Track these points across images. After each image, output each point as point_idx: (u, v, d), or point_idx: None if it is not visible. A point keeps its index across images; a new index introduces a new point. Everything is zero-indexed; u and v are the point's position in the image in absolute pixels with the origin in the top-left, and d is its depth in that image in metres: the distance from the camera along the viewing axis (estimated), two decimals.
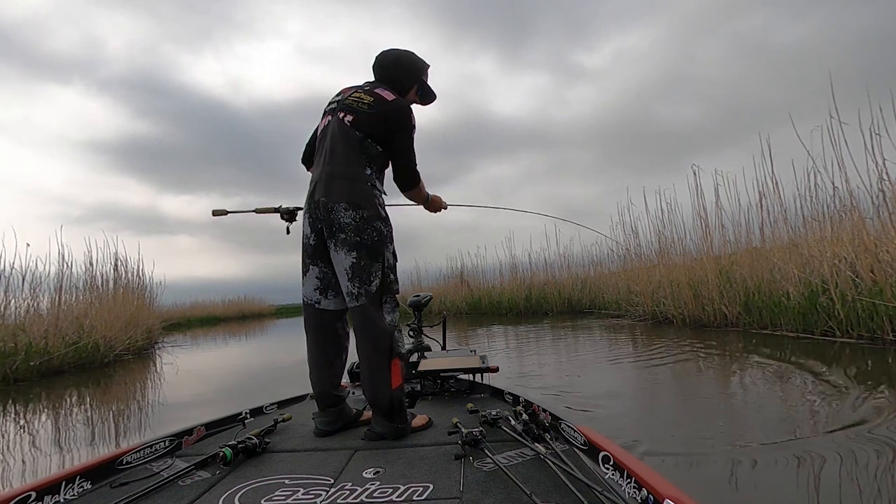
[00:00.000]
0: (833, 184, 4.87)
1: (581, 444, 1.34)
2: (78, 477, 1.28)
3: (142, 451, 1.49)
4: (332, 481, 1.27)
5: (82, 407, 3.75)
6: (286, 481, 1.29)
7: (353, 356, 1.76)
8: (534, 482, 1.17)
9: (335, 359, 1.76)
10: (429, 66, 1.95)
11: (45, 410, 3.66)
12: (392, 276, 1.70)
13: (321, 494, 1.19)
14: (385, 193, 1.79)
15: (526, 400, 1.84)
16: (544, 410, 1.69)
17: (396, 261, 1.74)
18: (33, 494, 1.15)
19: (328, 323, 1.74)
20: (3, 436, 2.88)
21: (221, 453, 1.40)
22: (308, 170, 1.98)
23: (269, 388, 3.88)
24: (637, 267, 8.38)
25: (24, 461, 2.31)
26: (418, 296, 2.79)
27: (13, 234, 7.19)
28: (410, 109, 1.77)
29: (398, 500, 1.13)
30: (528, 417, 1.55)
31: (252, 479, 1.31)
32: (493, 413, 1.61)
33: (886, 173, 4.39)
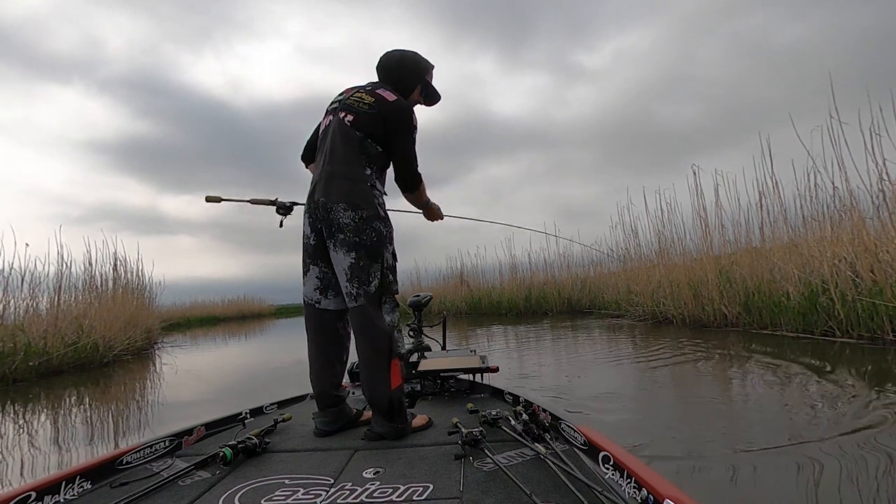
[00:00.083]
0: (833, 184, 4.88)
1: (581, 444, 1.34)
2: (78, 477, 1.28)
3: (142, 451, 1.49)
4: (332, 481, 1.27)
5: (81, 407, 3.75)
6: (286, 481, 1.29)
7: (353, 356, 1.76)
8: (534, 482, 1.17)
9: (335, 359, 1.76)
10: (433, 66, 1.94)
11: (45, 411, 3.66)
12: (391, 276, 1.70)
13: (321, 494, 1.18)
14: (385, 194, 1.78)
15: (526, 400, 1.83)
16: (544, 410, 1.68)
17: (396, 261, 1.74)
18: (33, 494, 1.15)
19: (329, 323, 1.74)
20: (2, 436, 2.88)
21: (221, 453, 1.40)
22: (307, 167, 1.98)
23: (269, 388, 3.88)
24: (637, 267, 8.38)
25: (23, 461, 2.30)
26: (418, 296, 2.79)
27: (12, 234, 7.19)
28: (412, 110, 1.76)
29: (398, 500, 1.13)
30: (528, 417, 1.55)
31: (252, 479, 1.31)
32: (493, 413, 1.61)
33: (886, 173, 4.39)
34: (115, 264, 8.17)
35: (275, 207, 1.98)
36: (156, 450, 1.54)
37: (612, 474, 1.12)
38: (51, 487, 1.20)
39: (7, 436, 2.87)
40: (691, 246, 7.20)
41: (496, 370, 2.27)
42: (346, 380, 1.83)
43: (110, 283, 7.94)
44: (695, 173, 6.79)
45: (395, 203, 2.01)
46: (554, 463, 1.18)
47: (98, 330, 6.30)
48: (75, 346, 5.73)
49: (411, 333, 2.72)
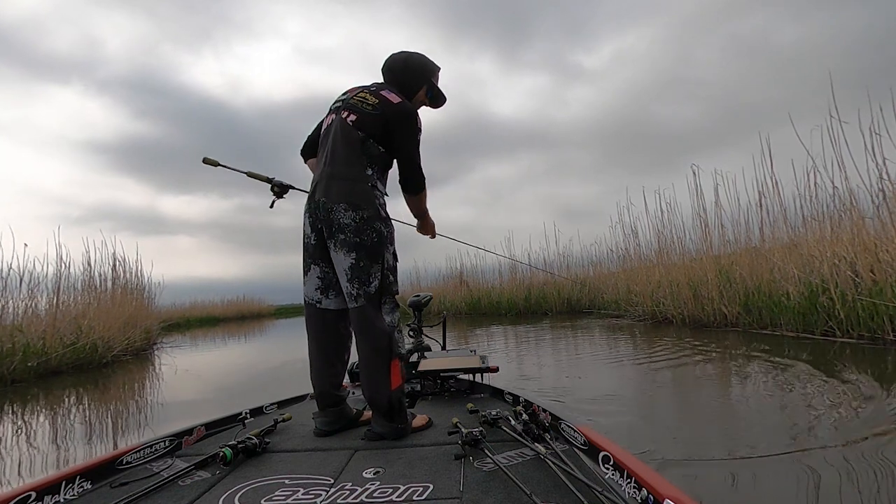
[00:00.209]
0: (833, 183, 4.88)
1: (581, 444, 1.34)
2: (78, 477, 1.28)
3: (142, 451, 1.49)
4: (332, 481, 1.27)
5: (81, 407, 3.74)
6: (286, 481, 1.28)
7: (354, 356, 1.76)
8: (534, 482, 1.17)
9: (336, 359, 1.76)
10: (439, 68, 1.93)
11: (44, 411, 3.65)
12: (392, 277, 1.70)
13: (321, 494, 1.18)
14: (387, 195, 1.78)
15: (526, 400, 1.83)
16: (544, 410, 1.68)
17: (397, 261, 1.74)
18: (33, 494, 1.15)
19: (330, 322, 1.73)
20: (1, 437, 2.88)
21: (221, 453, 1.40)
22: (305, 161, 1.96)
23: (269, 388, 3.88)
24: (636, 267, 8.39)
25: (23, 462, 2.30)
26: (418, 296, 2.79)
27: (11, 234, 7.18)
28: (416, 113, 1.75)
29: (398, 500, 1.13)
30: (528, 417, 1.55)
31: (252, 479, 1.31)
32: (493, 413, 1.61)
33: (886, 172, 4.40)
34: (115, 264, 8.16)
35: (270, 185, 1.96)
36: (156, 450, 1.54)
37: (612, 474, 1.12)
38: (51, 487, 1.20)
39: (6, 436, 2.87)
40: (691, 246, 7.22)
41: (496, 370, 2.27)
42: (346, 380, 1.83)
43: (109, 284, 7.93)
44: (694, 173, 6.81)
45: (396, 205, 2.00)
46: (554, 463, 1.17)
47: (97, 330, 6.29)
48: (74, 347, 5.72)
49: (411, 333, 2.72)
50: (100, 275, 7.79)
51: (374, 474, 1.30)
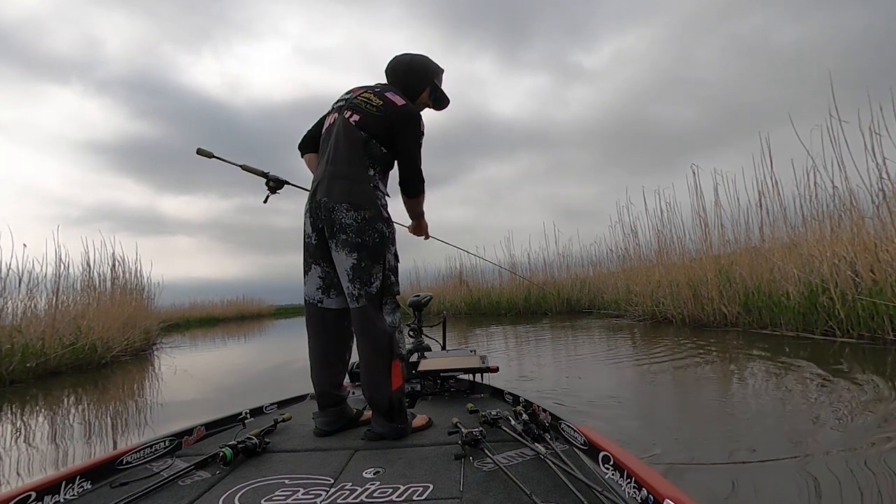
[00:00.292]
0: (833, 183, 4.88)
1: (581, 444, 1.34)
2: (78, 477, 1.27)
3: (142, 451, 1.49)
4: (332, 481, 1.27)
5: (80, 408, 3.74)
6: (286, 481, 1.28)
7: (354, 356, 1.76)
8: (534, 482, 1.16)
9: (337, 358, 1.76)
10: (443, 70, 1.93)
11: (43, 411, 3.65)
12: (393, 277, 1.70)
13: (321, 494, 1.18)
14: (388, 195, 1.78)
15: (526, 400, 1.83)
16: (544, 410, 1.68)
17: (398, 262, 1.74)
18: (33, 494, 1.15)
19: (330, 322, 1.73)
20: (1, 437, 2.87)
21: (221, 453, 1.40)
22: (303, 155, 1.95)
23: (268, 388, 3.88)
24: (636, 267, 8.39)
25: (23, 462, 2.30)
26: (418, 296, 2.79)
27: (10, 234, 7.16)
28: (419, 116, 1.75)
29: (398, 500, 1.13)
30: (528, 417, 1.55)
31: (252, 479, 1.31)
32: (493, 413, 1.61)
33: (886, 172, 4.40)
34: (114, 265, 8.15)
35: (265, 180, 1.95)
36: (156, 450, 1.54)
37: (612, 474, 1.12)
38: (51, 487, 1.20)
39: (6, 437, 2.86)
40: (691, 246, 7.23)
41: (496, 370, 2.27)
42: (346, 380, 1.83)
43: (108, 284, 7.92)
44: (694, 173, 6.82)
45: (395, 206, 1.99)
46: (554, 463, 1.17)
47: (96, 331, 6.28)
48: (73, 347, 5.72)
49: (411, 333, 2.72)
50: (99, 275, 7.79)
51: (374, 474, 1.30)
